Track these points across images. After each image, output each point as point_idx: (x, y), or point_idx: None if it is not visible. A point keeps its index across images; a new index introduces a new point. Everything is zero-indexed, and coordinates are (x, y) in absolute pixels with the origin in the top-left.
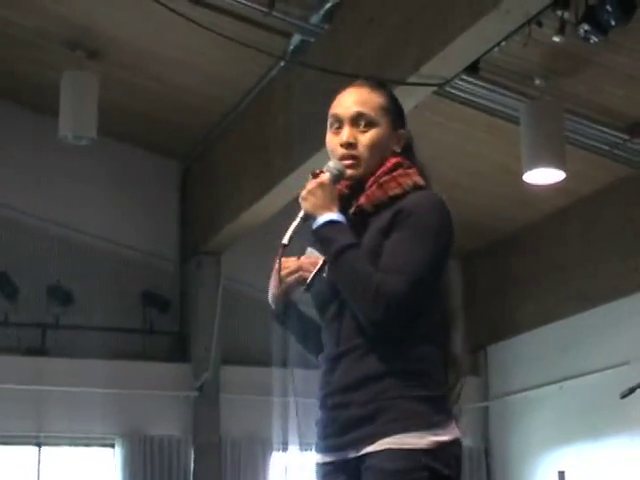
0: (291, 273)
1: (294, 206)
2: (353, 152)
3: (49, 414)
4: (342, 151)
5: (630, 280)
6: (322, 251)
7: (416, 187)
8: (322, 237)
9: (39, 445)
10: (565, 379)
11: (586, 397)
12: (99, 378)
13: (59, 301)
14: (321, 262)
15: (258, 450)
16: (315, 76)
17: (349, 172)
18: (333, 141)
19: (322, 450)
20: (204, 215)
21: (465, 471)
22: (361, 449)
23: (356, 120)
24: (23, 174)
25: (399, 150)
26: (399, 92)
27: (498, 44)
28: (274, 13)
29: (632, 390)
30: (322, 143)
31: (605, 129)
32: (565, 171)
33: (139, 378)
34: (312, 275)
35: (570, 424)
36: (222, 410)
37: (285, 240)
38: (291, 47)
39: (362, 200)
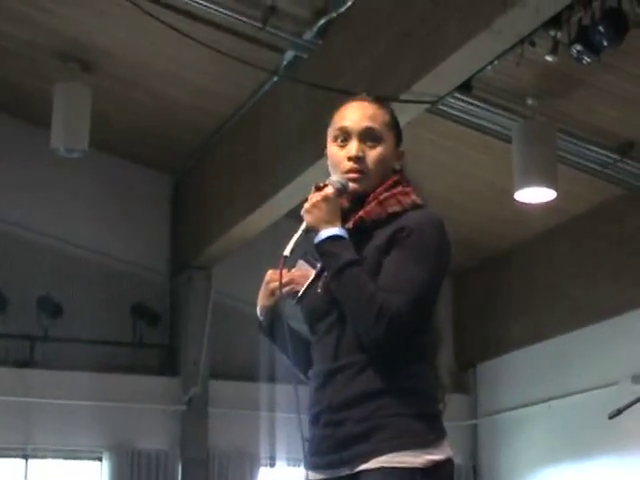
0: (282, 285)
1: (285, 221)
2: (361, 166)
3: (37, 426)
4: (349, 165)
5: (620, 300)
6: (324, 266)
7: (415, 205)
8: (325, 252)
9: (26, 458)
10: (554, 398)
11: (575, 416)
12: (88, 391)
13: (48, 313)
14: (313, 275)
15: (246, 465)
16: (307, 92)
17: (352, 186)
18: (338, 154)
19: (314, 467)
20: (195, 229)
21: None
22: (355, 467)
23: (365, 135)
24: (14, 186)
25: (399, 167)
26: None
27: (490, 63)
28: (267, 28)
29: (620, 411)
30: (313, 159)
31: (597, 149)
32: (556, 190)
33: (128, 391)
34: (304, 288)
35: (558, 443)
36: (210, 424)
37: (286, 252)
38: (284, 62)
39: (360, 215)
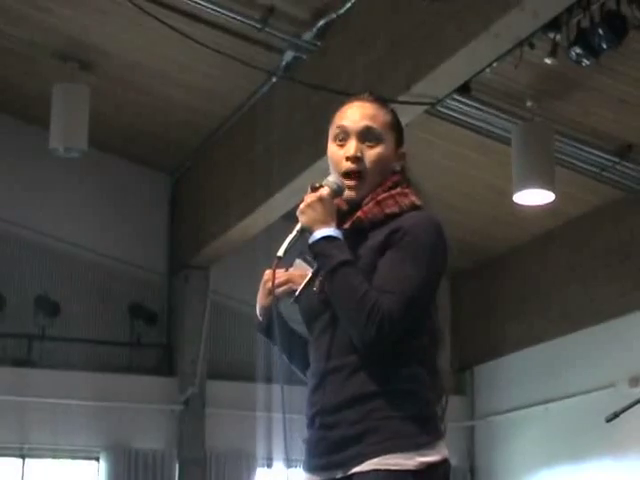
0: (280, 284)
1: (282, 222)
2: (359, 166)
3: (34, 426)
4: (347, 165)
5: (617, 303)
6: (318, 266)
7: (413, 207)
8: (318, 252)
9: (23, 457)
10: (550, 401)
11: (571, 419)
12: (85, 390)
13: (46, 312)
14: (310, 274)
15: (243, 465)
16: (306, 93)
17: (348, 193)
18: (337, 154)
19: (310, 469)
20: (193, 229)
21: None
22: (349, 469)
23: (364, 134)
24: (12, 185)
25: (399, 168)
26: None
27: (489, 65)
28: (267, 29)
29: (617, 414)
30: (311, 160)
31: (595, 151)
32: (555, 193)
33: (125, 391)
34: (301, 287)
35: (555, 445)
36: (207, 424)
37: (280, 252)
38: (283, 63)
39: (358, 215)
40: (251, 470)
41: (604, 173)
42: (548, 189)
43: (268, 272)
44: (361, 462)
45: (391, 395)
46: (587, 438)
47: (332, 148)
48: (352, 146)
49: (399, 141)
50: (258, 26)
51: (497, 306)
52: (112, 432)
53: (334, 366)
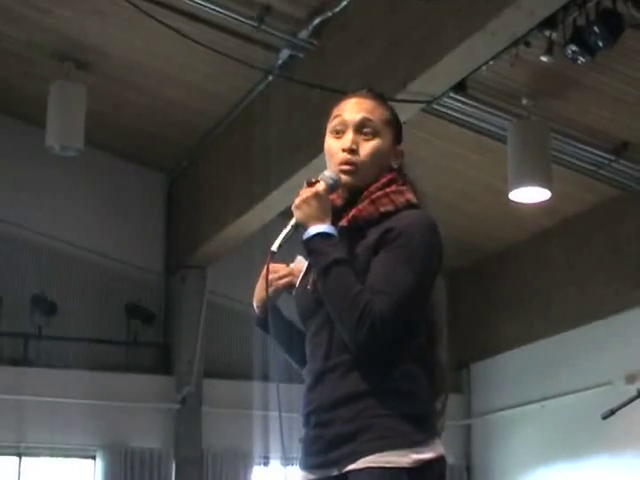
0: (281, 278)
1: (279, 220)
2: (354, 158)
3: (31, 424)
4: (343, 156)
5: (613, 300)
6: (311, 263)
7: (409, 205)
8: (312, 249)
9: (20, 455)
10: (547, 398)
11: (568, 417)
12: (81, 389)
13: (43, 311)
14: (304, 269)
15: (239, 464)
16: (302, 92)
17: (344, 178)
18: (334, 146)
19: (306, 467)
20: (189, 228)
21: None
22: (344, 467)
23: (361, 127)
24: (8, 184)
25: (396, 166)
26: None
27: (485, 63)
28: (263, 27)
29: (613, 411)
30: (308, 159)
31: (591, 149)
32: (551, 190)
33: (122, 390)
34: (299, 279)
35: (551, 443)
36: (204, 423)
37: (274, 247)
38: (279, 62)
39: (353, 214)
40: (248, 468)
41: (600, 171)
42: (544, 187)
43: (270, 265)
44: (355, 460)
45: (385, 394)
46: (584, 436)
47: (329, 141)
48: (348, 138)
49: (397, 138)
50: (255, 25)
51: (493, 304)
52: (109, 431)
53: (331, 365)
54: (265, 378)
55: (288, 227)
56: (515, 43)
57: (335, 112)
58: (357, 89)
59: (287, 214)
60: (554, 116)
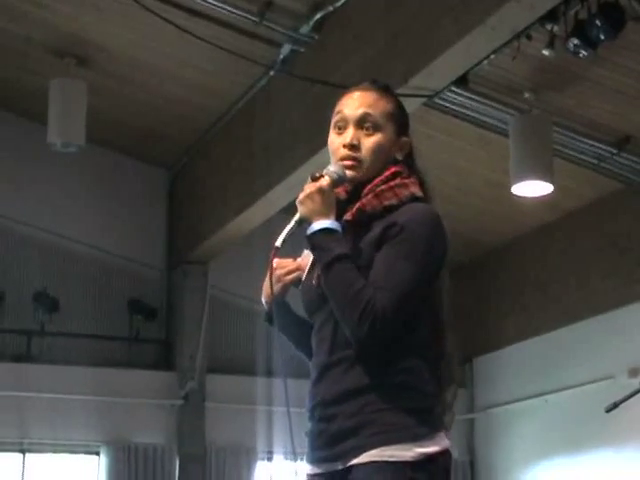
0: (289, 272)
1: (281, 216)
2: (355, 154)
3: (34, 421)
4: (344, 152)
5: (615, 294)
6: (315, 259)
7: (413, 198)
8: (316, 244)
9: (23, 452)
10: (550, 392)
11: (570, 411)
12: (84, 385)
13: (45, 308)
14: (309, 263)
15: (243, 459)
16: (304, 86)
17: (349, 173)
18: (336, 141)
19: (312, 461)
20: (191, 224)
21: None
22: (347, 461)
23: (361, 122)
24: (10, 181)
25: (401, 158)
26: None
27: (487, 58)
28: (264, 22)
29: (617, 404)
30: (308, 155)
31: (593, 143)
32: (553, 184)
33: (124, 386)
34: (305, 274)
35: (555, 437)
36: (207, 419)
37: (278, 243)
38: (281, 57)
39: (357, 208)
40: (251, 464)
41: (602, 165)
42: (546, 181)
43: (277, 260)
44: (359, 454)
45: (388, 388)
46: (586, 429)
47: (331, 136)
48: (349, 134)
49: (401, 130)
50: (255, 20)
51: (495, 299)
52: (112, 427)
53: (335, 359)
54: (268, 373)
55: (292, 222)
56: (516, 37)
57: (337, 107)
58: (361, 81)
59: (289, 210)
60: (556, 110)
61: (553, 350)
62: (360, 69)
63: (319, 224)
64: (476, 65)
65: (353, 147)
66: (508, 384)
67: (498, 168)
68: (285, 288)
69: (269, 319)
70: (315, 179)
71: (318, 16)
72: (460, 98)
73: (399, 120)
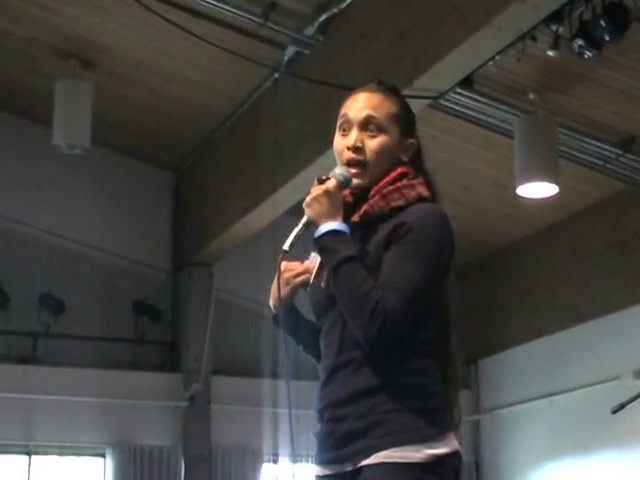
0: (298, 275)
1: (286, 217)
2: (360, 157)
3: (40, 423)
4: (349, 155)
5: (621, 295)
6: (323, 261)
7: (420, 199)
8: (323, 247)
9: (29, 454)
10: (555, 394)
11: (576, 412)
12: (90, 387)
13: (51, 310)
14: (317, 266)
15: (248, 461)
16: (308, 88)
17: (355, 181)
18: (340, 143)
19: (321, 463)
20: (196, 226)
21: None
22: (357, 463)
23: (366, 124)
24: (16, 183)
25: (406, 159)
26: None
27: (492, 59)
28: (269, 24)
29: (623, 405)
30: (314, 156)
31: (598, 144)
32: (558, 185)
33: (130, 388)
34: (313, 277)
35: (560, 438)
36: (212, 421)
37: (286, 246)
38: (285, 58)
39: (364, 210)
40: (257, 466)
41: (607, 165)
42: (551, 182)
43: (285, 263)
44: (369, 455)
45: (397, 389)
46: (592, 431)
47: (336, 138)
48: (353, 136)
49: (406, 131)
50: (260, 21)
51: (501, 300)
52: (118, 429)
53: (344, 361)
54: (273, 375)
55: (299, 225)
56: (521, 38)
57: (342, 109)
58: (366, 83)
59: (294, 211)
60: (561, 111)
61: (559, 351)
62: (365, 70)
63: (326, 226)
64: (481, 66)
65: (357, 149)
66: (514, 385)
67: (503, 169)
68: (293, 291)
69: (277, 322)
70: (321, 181)
71: (323, 17)
72: (465, 99)
73: (404, 122)
